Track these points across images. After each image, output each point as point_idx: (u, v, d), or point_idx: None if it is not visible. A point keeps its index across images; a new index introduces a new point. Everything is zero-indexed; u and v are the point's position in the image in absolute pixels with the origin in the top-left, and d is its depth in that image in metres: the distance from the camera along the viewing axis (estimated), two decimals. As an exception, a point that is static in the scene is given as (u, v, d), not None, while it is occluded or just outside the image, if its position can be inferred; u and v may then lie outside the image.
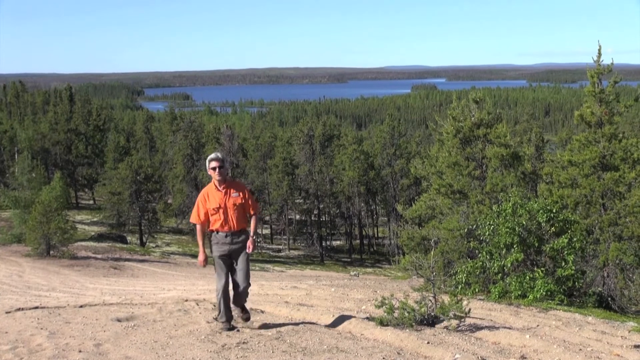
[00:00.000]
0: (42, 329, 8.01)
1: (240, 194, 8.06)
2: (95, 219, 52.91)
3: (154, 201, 47.80)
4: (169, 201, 53.04)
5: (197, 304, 9.95)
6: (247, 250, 7.98)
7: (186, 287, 17.58)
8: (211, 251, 8.21)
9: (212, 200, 8.01)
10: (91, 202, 64.77)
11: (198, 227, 8.18)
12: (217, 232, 8.03)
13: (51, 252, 28.25)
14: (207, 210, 8.02)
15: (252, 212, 8.18)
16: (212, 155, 8.04)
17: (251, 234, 8.11)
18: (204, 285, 17.75)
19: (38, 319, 8.75)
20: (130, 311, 9.40)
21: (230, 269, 8.09)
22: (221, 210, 7.96)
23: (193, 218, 8.15)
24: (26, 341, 7.34)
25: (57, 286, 18.37)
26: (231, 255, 8.03)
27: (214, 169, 7.96)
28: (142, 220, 45.93)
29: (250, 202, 8.14)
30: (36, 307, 9.94)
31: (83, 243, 35.58)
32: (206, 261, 8.18)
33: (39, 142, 58.43)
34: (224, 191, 8.01)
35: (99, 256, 30.88)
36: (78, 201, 62.96)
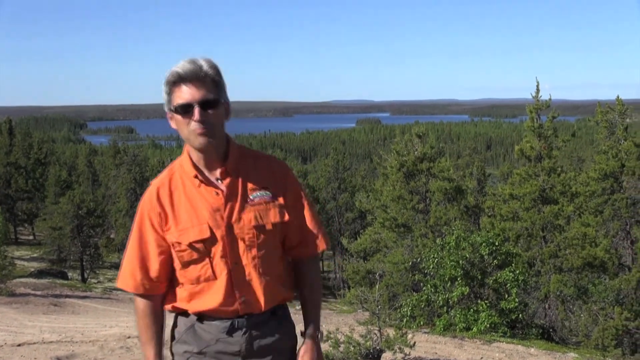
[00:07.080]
0: (-23, 369, 7.76)
1: (274, 191, 2.50)
2: (35, 255, 51.54)
3: (96, 236, 46.98)
4: (112, 236, 52.28)
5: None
6: None
7: (129, 323, 17.21)
8: None
9: (184, 215, 2.46)
10: (31, 237, 63.16)
11: (140, 303, 2.53)
12: (202, 321, 2.49)
13: (-12, 289, 27.40)
14: (164, 250, 2.47)
15: (312, 249, 2.61)
16: (185, 68, 2.33)
17: (318, 323, 2.63)
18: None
19: (-27, 359, 8.48)
20: (70, 349, 9.19)
21: None
22: (219, 249, 2.42)
23: (123, 280, 2.50)
24: (-40, 382, 7.10)
25: (-7, 324, 17.81)
26: None
27: (186, 109, 2.36)
28: (83, 255, 44.96)
29: (309, 216, 2.58)
30: (-28, 347, 9.63)
31: (22, 279, 34.52)
32: None
33: (-23, 176, 57.09)
34: (224, 185, 2.46)
35: (39, 293, 30.00)
36: (17, 236, 61.31)
